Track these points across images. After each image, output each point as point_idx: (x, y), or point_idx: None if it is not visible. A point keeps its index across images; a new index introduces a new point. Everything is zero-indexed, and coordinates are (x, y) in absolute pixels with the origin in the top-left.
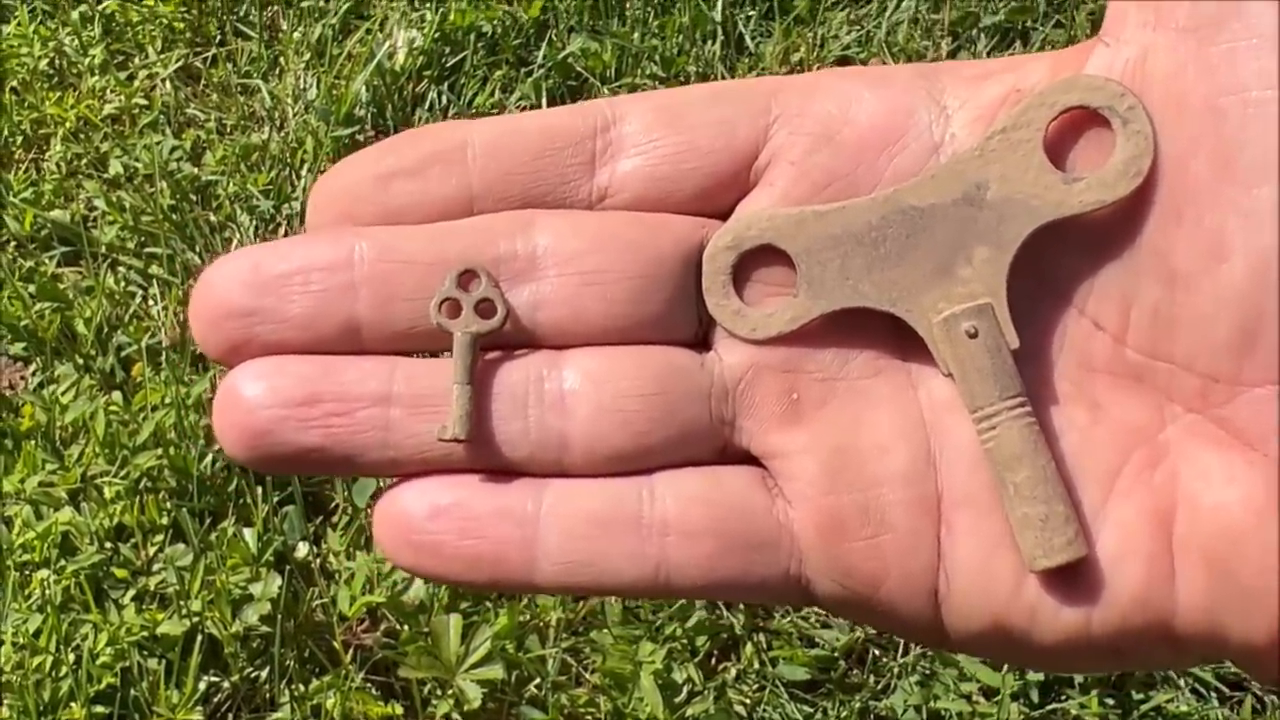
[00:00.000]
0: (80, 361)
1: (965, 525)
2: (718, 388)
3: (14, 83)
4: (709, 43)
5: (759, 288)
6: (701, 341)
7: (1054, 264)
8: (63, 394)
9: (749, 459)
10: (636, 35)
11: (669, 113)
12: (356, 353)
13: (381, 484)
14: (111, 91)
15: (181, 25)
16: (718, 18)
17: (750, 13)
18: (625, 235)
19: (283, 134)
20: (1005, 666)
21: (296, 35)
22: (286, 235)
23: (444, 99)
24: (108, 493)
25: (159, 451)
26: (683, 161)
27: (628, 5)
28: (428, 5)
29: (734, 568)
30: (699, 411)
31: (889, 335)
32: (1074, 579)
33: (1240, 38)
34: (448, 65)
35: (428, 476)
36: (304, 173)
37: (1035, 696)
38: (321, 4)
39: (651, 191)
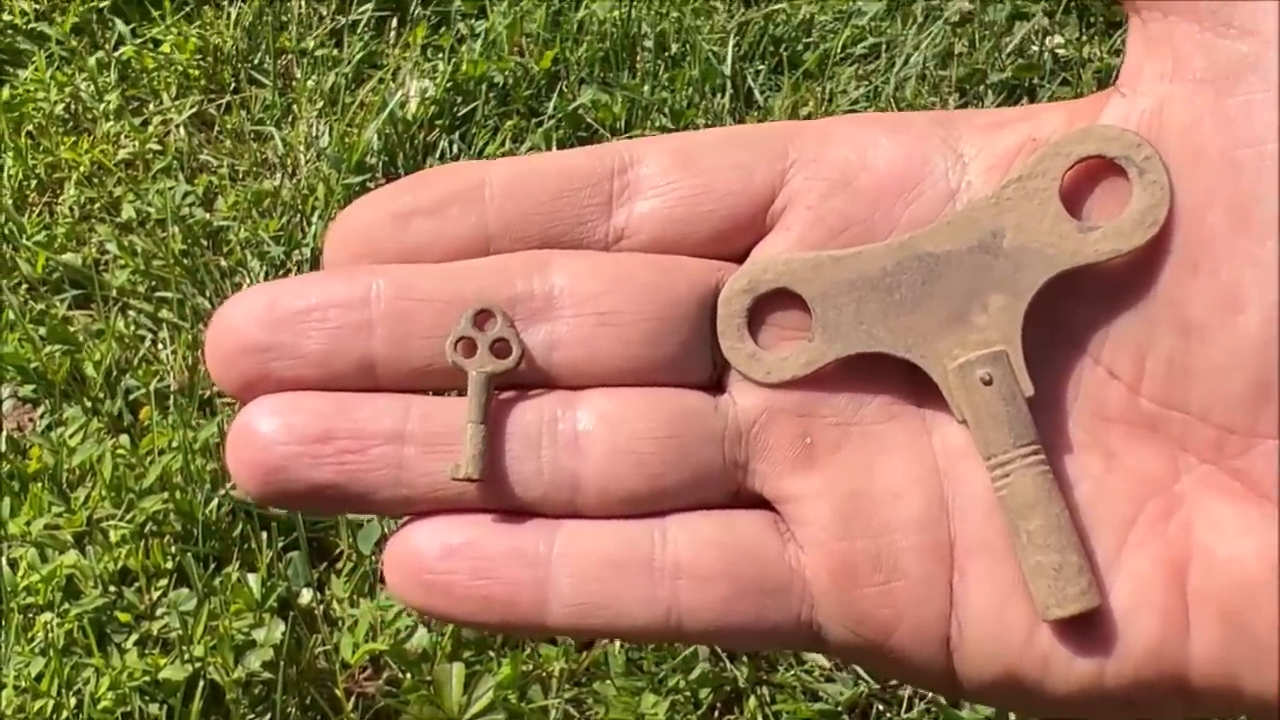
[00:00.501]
0: (89, 404)
1: (978, 573)
2: (731, 431)
3: (30, 127)
4: (718, 96)
5: (774, 331)
6: (716, 384)
7: (1069, 312)
8: (70, 436)
9: (761, 503)
10: (647, 88)
11: (686, 156)
12: (371, 390)
13: (387, 531)
14: (126, 137)
15: (196, 72)
16: (727, 71)
17: (759, 67)
18: (641, 277)
19: (294, 181)
20: (1013, 718)
21: (310, 83)
22: None
23: (455, 148)
24: (113, 536)
25: (165, 495)
26: (699, 204)
27: (638, 58)
28: (440, 56)
29: (746, 613)
30: (712, 454)
31: (904, 380)
32: (1087, 629)
33: (1257, 90)
34: (459, 114)
35: (440, 516)
36: (315, 219)
37: None
38: (335, 53)
39: (668, 233)
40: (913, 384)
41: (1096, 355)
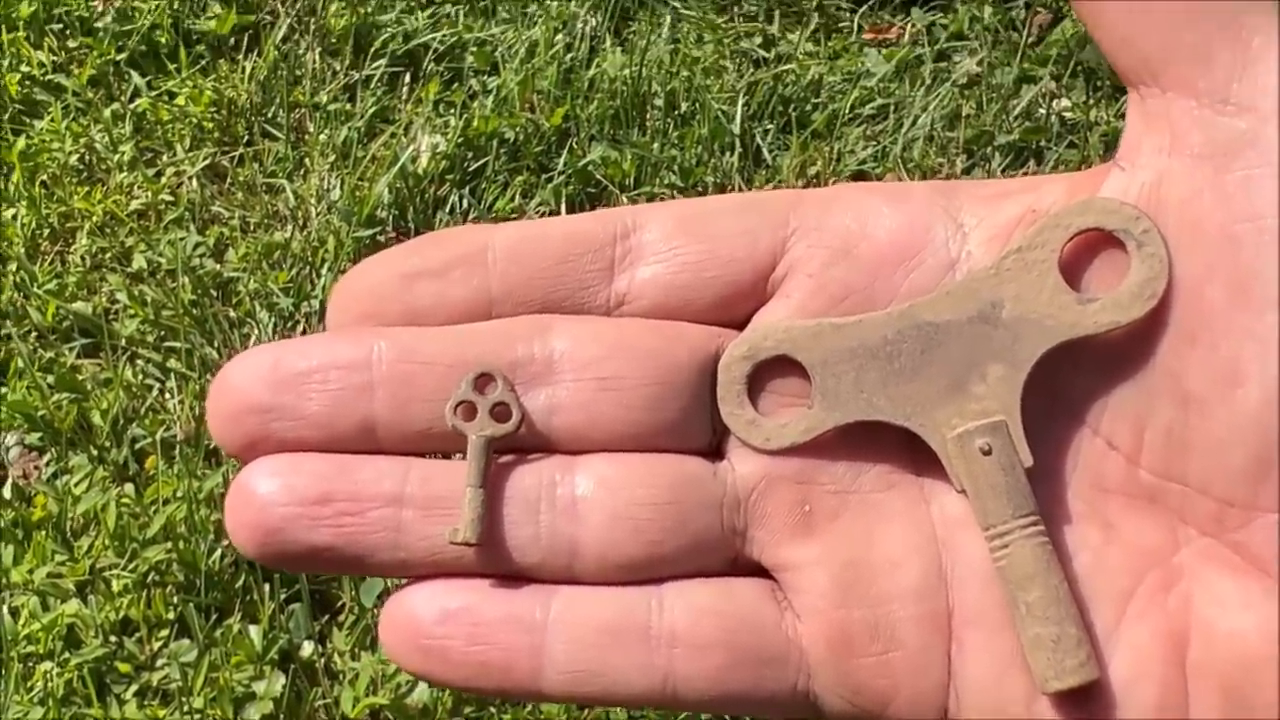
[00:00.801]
0: (95, 453)
1: (977, 643)
2: (730, 498)
3: (44, 177)
4: (727, 154)
5: (773, 398)
6: (715, 450)
7: (1068, 383)
8: (76, 485)
9: (760, 570)
10: (656, 145)
11: (689, 222)
12: (371, 452)
13: (390, 584)
14: (139, 187)
15: (211, 125)
16: (736, 130)
17: (768, 126)
18: (642, 342)
19: (305, 233)
20: None
21: (323, 137)
22: (305, 333)
23: (465, 202)
24: (115, 585)
25: (168, 545)
26: (702, 270)
27: (648, 115)
28: (452, 111)
29: (742, 681)
30: (711, 521)
31: (902, 449)
32: (1086, 701)
33: (1255, 166)
34: (469, 169)
35: (437, 580)
36: (324, 271)
37: None
38: (348, 108)
39: (670, 299)
40: (911, 452)
41: (1095, 426)
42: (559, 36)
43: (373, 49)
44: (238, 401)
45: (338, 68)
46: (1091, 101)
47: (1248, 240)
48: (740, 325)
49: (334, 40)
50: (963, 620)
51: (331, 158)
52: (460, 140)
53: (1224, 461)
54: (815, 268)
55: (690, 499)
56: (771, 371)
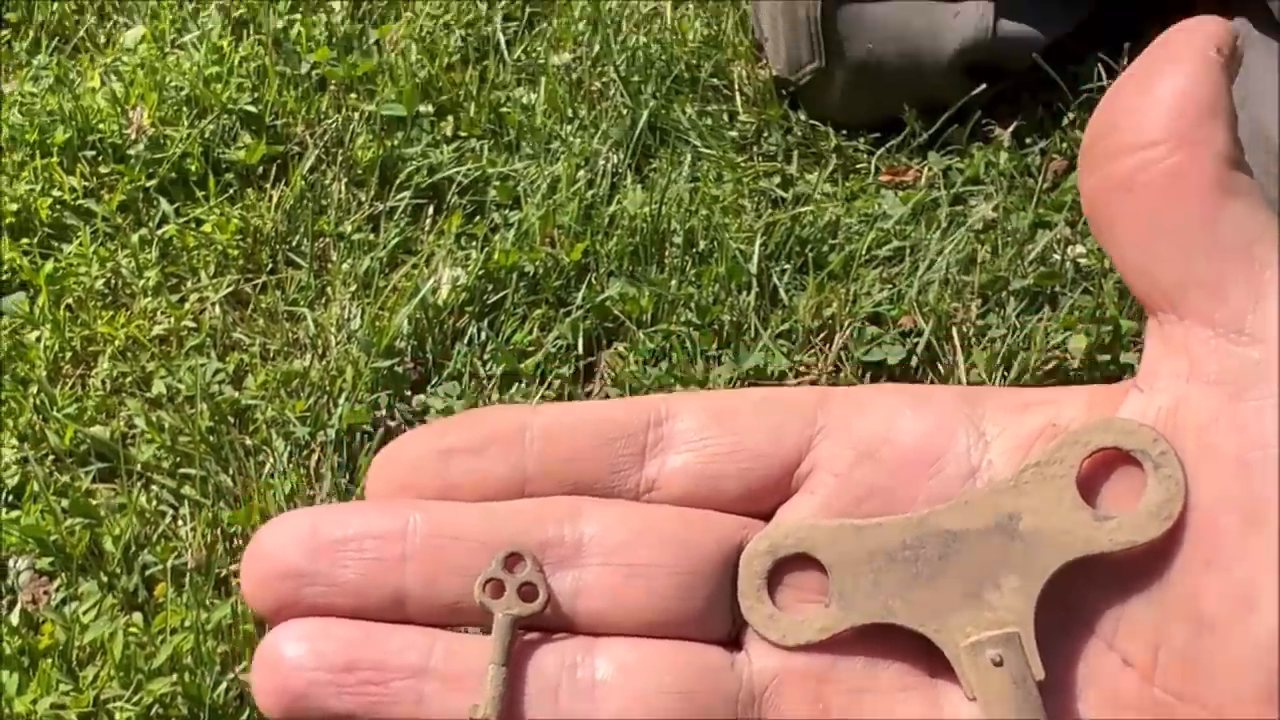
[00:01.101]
0: (105, 579)
1: None
2: (745, 692)
3: (70, 300)
4: (744, 293)
5: (793, 593)
6: (734, 641)
7: (1083, 597)
8: (84, 612)
9: None
10: (674, 283)
11: (721, 414)
12: (400, 621)
13: None
14: (162, 313)
15: (235, 252)
16: (753, 269)
17: (785, 266)
18: (671, 531)
19: (324, 362)
20: None
21: (345, 266)
22: (320, 462)
23: (483, 334)
24: (119, 717)
25: (174, 677)
26: (731, 462)
27: (666, 252)
28: (474, 244)
29: None
30: (726, 712)
31: (919, 652)
32: None
33: (1267, 396)
34: (489, 302)
35: None
36: (341, 400)
37: None
38: (371, 238)
39: (699, 489)
40: (927, 656)
41: (1110, 641)
42: (581, 173)
43: (398, 180)
44: (274, 566)
45: (363, 198)
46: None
47: (1261, 468)
48: (766, 517)
49: (360, 171)
50: None
51: (353, 287)
52: (481, 273)
53: (1237, 685)
54: (841, 467)
55: (707, 690)
56: (792, 566)
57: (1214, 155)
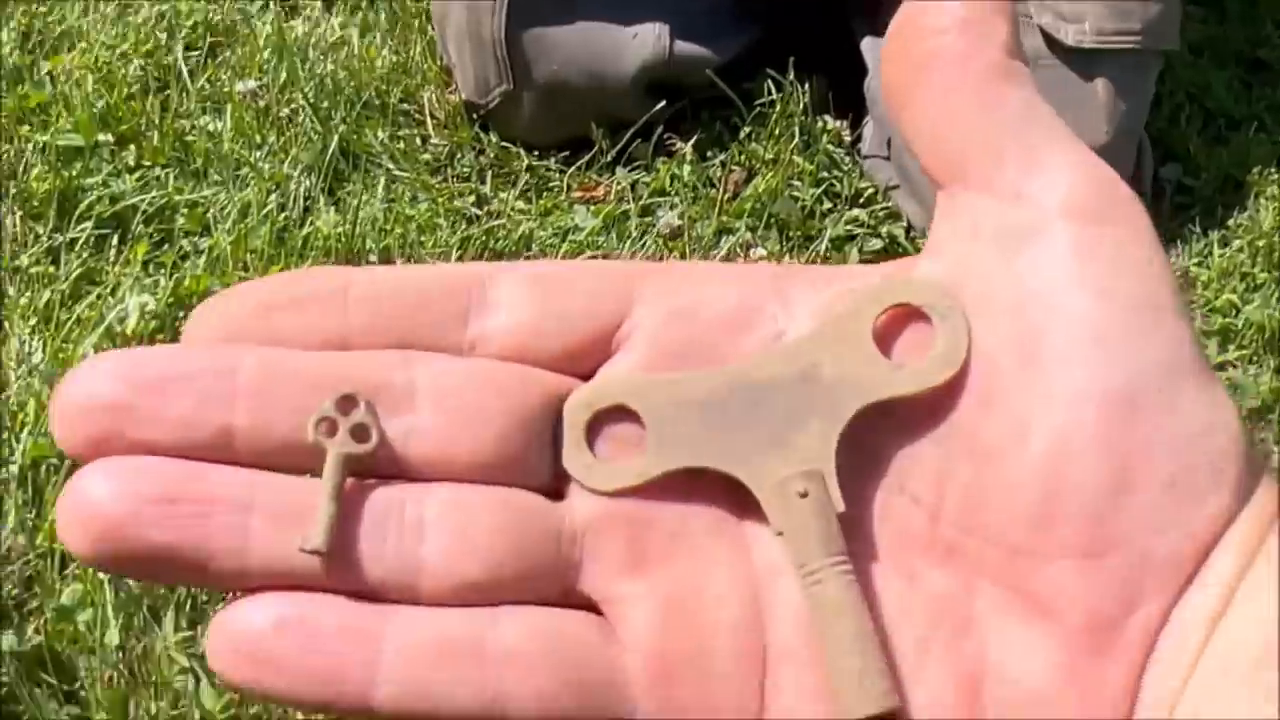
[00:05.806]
0: None
1: (788, 677)
2: (567, 532)
3: None
4: None
5: (612, 444)
6: (556, 492)
7: (879, 443)
8: None
9: (591, 606)
10: None
11: (541, 278)
12: (223, 463)
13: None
14: None
15: None
16: None
17: None
18: (499, 381)
19: (3, 396)
20: None
21: (23, 301)
22: (1, 499)
23: None
24: None
25: None
26: (552, 323)
27: None
28: (163, 271)
29: (568, 707)
30: (548, 550)
31: (729, 498)
32: None
33: (1039, 249)
34: (181, 329)
35: (276, 591)
36: (24, 435)
37: None
38: (51, 270)
39: (521, 349)
40: (738, 501)
41: (903, 484)
42: (272, 198)
43: (78, 211)
44: (92, 397)
45: (40, 231)
46: (783, 249)
47: (1033, 312)
48: (586, 378)
49: (36, 204)
50: (776, 656)
51: (33, 321)
52: (171, 299)
53: (1012, 511)
54: (658, 329)
55: (530, 528)
56: (611, 419)
57: (998, 44)
